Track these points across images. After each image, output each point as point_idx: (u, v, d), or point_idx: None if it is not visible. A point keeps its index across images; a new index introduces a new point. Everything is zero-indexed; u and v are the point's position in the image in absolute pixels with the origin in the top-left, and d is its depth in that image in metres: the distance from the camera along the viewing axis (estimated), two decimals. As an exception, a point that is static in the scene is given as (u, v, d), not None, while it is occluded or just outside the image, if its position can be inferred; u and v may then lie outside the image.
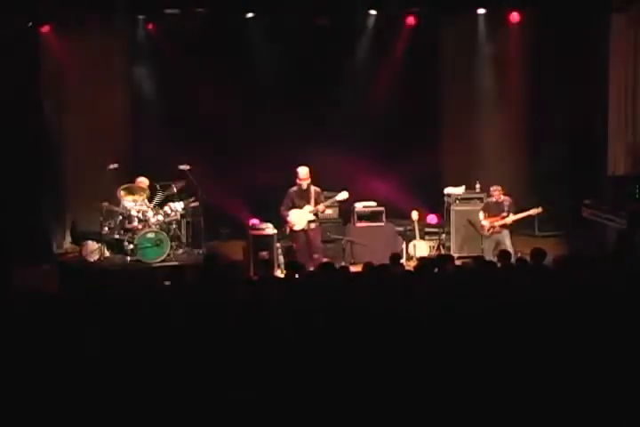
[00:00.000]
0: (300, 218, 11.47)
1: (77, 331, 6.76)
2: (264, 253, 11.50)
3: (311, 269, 10.60)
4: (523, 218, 11.73)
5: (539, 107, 13.60)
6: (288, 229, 11.61)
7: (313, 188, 11.55)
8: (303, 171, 11.46)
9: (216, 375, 6.16)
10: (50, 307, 7.42)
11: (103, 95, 12.97)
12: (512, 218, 11.60)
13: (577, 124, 13.34)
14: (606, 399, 5.70)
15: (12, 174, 12.06)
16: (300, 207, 11.47)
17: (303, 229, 11.48)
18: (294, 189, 11.55)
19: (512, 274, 8.88)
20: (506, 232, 11.63)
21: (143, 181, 12.11)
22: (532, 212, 11.60)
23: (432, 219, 13.28)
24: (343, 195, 11.51)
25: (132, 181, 12.14)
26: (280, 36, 13.16)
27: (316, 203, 11.50)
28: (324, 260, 10.90)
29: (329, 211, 12.21)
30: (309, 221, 11.50)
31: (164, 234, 11.75)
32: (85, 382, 5.96)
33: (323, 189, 11.98)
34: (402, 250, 12.00)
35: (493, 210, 11.74)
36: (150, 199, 12.17)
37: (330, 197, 11.68)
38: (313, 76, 13.37)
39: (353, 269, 10.75)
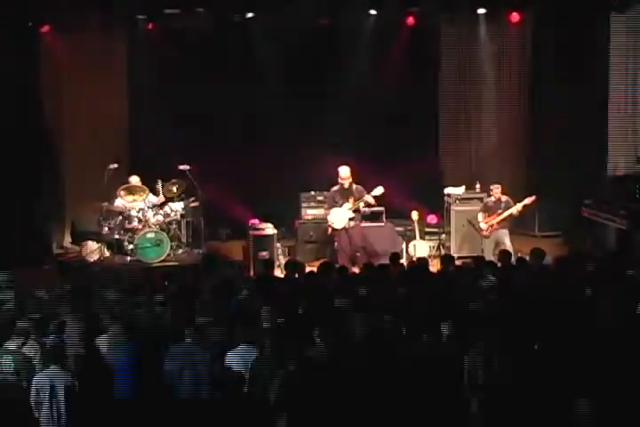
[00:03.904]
0: (339, 216, 11.48)
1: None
2: (264, 253, 11.50)
3: (354, 269, 10.61)
4: (520, 210, 11.58)
5: (539, 107, 13.58)
6: (330, 229, 11.60)
7: (355, 186, 11.57)
8: (344, 170, 11.52)
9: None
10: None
11: (103, 95, 12.96)
12: (509, 211, 11.48)
13: (577, 124, 13.31)
14: (606, 398, 5.70)
15: (12, 174, 12.04)
16: (341, 206, 11.50)
17: (344, 228, 11.49)
18: (336, 188, 11.60)
19: (512, 274, 8.89)
20: (505, 231, 11.57)
21: (133, 179, 12.04)
22: (527, 201, 11.50)
23: (432, 219, 13.26)
24: (379, 190, 11.52)
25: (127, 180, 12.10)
26: (280, 36, 13.14)
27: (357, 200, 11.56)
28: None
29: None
30: (350, 219, 11.51)
31: (164, 234, 11.74)
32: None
33: (323, 189, 12.00)
34: (402, 250, 11.98)
35: (492, 209, 11.70)
36: (154, 195, 12.09)
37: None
38: (313, 76, 13.34)
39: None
